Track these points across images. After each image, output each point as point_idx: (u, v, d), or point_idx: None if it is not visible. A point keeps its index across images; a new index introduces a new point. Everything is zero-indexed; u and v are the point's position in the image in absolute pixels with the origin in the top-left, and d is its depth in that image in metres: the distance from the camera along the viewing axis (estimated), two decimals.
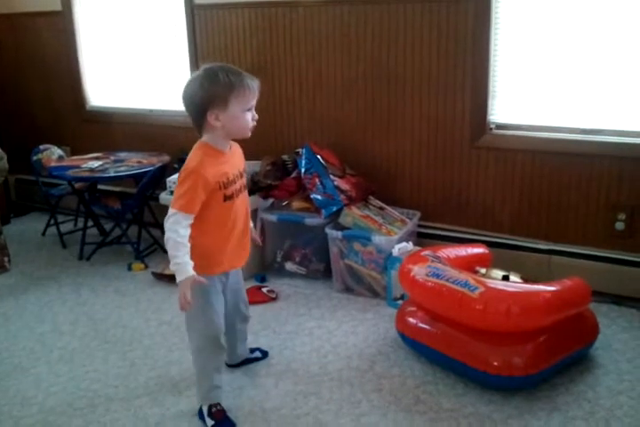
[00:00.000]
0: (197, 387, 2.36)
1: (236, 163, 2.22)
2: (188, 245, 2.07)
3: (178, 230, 2.05)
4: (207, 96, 2.03)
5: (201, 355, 2.30)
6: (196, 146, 2.14)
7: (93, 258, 3.91)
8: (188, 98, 2.08)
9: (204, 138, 2.14)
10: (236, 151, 2.27)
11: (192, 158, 2.10)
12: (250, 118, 2.12)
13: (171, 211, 2.07)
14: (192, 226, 2.09)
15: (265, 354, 2.73)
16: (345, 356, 2.73)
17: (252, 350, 2.71)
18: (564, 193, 3.14)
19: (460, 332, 2.46)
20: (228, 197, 2.14)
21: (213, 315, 2.26)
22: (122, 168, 3.79)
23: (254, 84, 2.09)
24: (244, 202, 2.27)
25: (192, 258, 2.08)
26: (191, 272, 2.06)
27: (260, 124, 3.82)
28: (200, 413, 2.32)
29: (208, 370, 2.31)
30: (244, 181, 2.27)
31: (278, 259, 3.53)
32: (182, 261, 2.05)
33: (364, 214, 3.27)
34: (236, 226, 2.22)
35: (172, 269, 2.07)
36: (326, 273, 3.42)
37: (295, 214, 3.39)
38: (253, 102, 2.11)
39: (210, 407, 2.30)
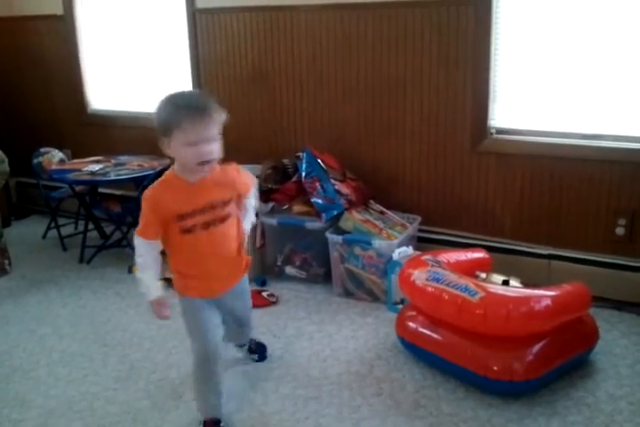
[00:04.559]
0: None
1: (207, 194, 2.10)
2: (155, 265, 2.12)
3: (140, 253, 2.10)
4: (157, 124, 2.01)
5: (195, 374, 2.25)
6: None
7: (94, 261, 3.91)
8: (154, 120, 2.04)
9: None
10: (213, 180, 2.11)
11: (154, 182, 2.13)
12: (194, 153, 1.96)
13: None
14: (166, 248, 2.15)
15: (261, 358, 2.72)
16: (345, 360, 2.73)
17: (252, 351, 2.71)
18: (565, 198, 3.15)
19: (460, 337, 2.46)
20: (185, 231, 2.08)
21: (206, 332, 2.20)
22: (123, 171, 3.80)
23: (198, 119, 1.94)
24: (220, 234, 2.15)
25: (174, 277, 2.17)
26: (155, 295, 2.12)
27: (261, 128, 3.88)
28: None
29: (202, 390, 2.27)
30: (226, 210, 2.14)
31: (278, 263, 3.53)
32: (147, 284, 2.11)
33: (364, 219, 3.27)
34: (208, 258, 2.16)
35: (141, 290, 2.13)
36: (326, 277, 3.42)
37: (296, 218, 3.39)
38: (199, 137, 1.95)
39: (204, 422, 2.27)
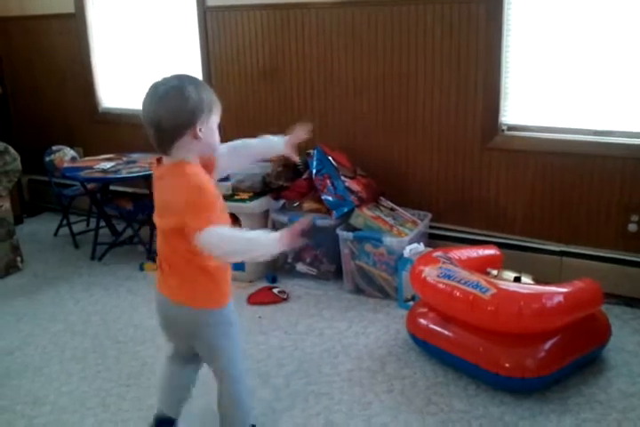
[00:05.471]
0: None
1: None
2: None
3: (226, 238, 1.79)
4: (198, 105, 1.80)
5: (242, 397, 2.09)
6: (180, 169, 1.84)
7: (105, 258, 3.93)
8: (179, 107, 1.79)
9: (181, 156, 1.84)
10: None
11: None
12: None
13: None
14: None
15: None
16: (356, 357, 2.73)
17: None
18: (576, 194, 3.13)
19: (471, 333, 2.46)
20: (222, 210, 1.90)
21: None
22: (134, 169, 3.81)
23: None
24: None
25: (207, 290, 1.93)
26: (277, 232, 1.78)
27: (271, 126, 3.86)
28: None
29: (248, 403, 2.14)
30: None
31: (289, 260, 3.54)
32: (260, 234, 1.79)
33: (374, 215, 3.27)
34: None
35: (265, 250, 1.79)
36: (337, 274, 3.42)
37: (306, 215, 3.40)
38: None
39: None
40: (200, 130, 1.82)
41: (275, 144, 2.12)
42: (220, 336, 1.97)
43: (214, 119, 1.87)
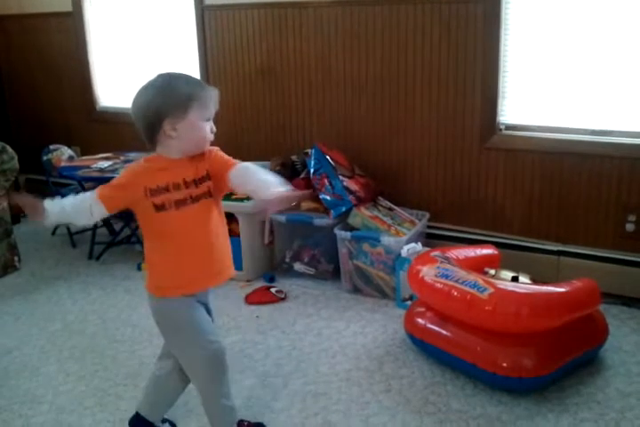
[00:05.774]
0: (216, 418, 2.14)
1: (185, 170, 1.91)
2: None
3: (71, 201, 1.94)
4: (168, 101, 1.82)
5: (212, 383, 2.07)
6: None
7: (103, 258, 3.92)
8: (143, 106, 1.87)
9: (164, 152, 1.92)
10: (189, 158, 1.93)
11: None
12: (209, 128, 1.88)
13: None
14: (147, 241, 2.00)
15: None
16: (353, 356, 2.73)
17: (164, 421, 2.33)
18: (574, 194, 3.13)
19: (469, 333, 2.46)
20: (159, 208, 1.88)
21: (209, 330, 2.01)
22: None
23: (214, 93, 1.88)
24: (196, 213, 1.93)
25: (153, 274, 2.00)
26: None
27: (269, 125, 3.88)
28: None
29: (226, 393, 2.10)
30: (200, 189, 1.92)
31: (287, 259, 3.54)
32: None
33: (372, 215, 3.27)
34: (187, 241, 1.93)
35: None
36: (335, 274, 3.42)
37: (304, 215, 3.40)
38: (213, 112, 1.88)
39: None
40: (174, 128, 1.83)
41: (266, 188, 1.81)
42: (158, 321, 2.03)
43: (197, 115, 1.83)
